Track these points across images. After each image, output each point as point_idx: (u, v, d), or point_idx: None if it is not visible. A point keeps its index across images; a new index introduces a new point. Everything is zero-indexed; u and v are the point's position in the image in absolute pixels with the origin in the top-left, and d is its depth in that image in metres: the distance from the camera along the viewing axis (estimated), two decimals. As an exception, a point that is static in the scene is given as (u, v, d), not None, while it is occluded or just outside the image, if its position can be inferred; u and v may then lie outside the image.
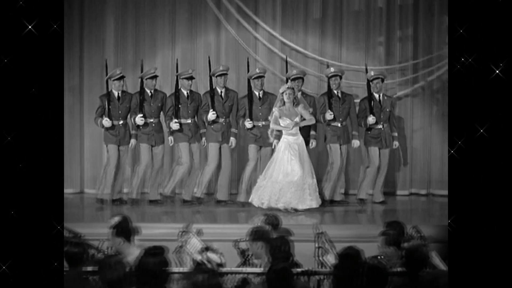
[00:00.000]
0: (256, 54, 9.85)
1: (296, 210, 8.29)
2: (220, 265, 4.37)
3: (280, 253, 4.60)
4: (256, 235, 5.61)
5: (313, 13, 9.95)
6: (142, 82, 8.88)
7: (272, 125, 8.48)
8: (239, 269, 4.95)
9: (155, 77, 8.88)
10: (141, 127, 8.86)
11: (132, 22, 9.94)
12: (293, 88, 8.44)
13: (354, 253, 4.48)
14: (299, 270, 5.11)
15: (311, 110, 8.77)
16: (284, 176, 8.27)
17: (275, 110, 8.41)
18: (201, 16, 9.90)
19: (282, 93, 8.38)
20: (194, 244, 6.26)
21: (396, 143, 9.15)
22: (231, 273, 4.57)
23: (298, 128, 8.45)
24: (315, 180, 8.45)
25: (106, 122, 8.77)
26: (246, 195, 8.70)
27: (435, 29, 9.91)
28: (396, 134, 9.18)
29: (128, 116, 8.94)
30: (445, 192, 9.52)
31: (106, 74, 8.94)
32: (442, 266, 5.52)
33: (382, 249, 5.63)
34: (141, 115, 8.79)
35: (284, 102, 8.38)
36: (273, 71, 9.75)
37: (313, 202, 8.36)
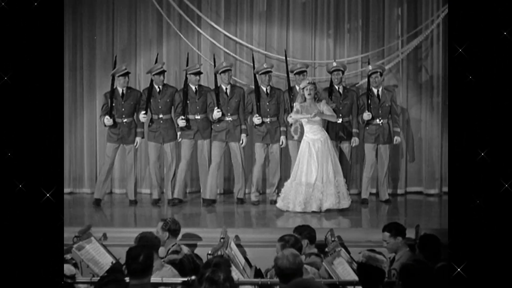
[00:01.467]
0: (199, 50, 9.53)
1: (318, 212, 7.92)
2: (70, 277, 4.04)
3: (135, 264, 4.24)
4: (141, 242, 5.29)
5: (258, 6, 9.60)
6: (152, 78, 8.61)
7: (293, 115, 8.09)
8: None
9: (162, 72, 8.59)
10: (150, 124, 8.60)
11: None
12: (314, 83, 8.09)
13: (215, 262, 4.16)
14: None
15: (333, 105, 8.46)
16: (306, 178, 7.91)
17: (296, 105, 8.07)
18: (142, 11, 9.59)
19: (303, 88, 8.03)
20: (90, 250, 5.93)
21: (397, 138, 8.78)
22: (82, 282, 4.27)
23: (320, 126, 8.08)
24: (342, 179, 8.05)
25: (107, 120, 8.45)
26: (258, 194, 8.65)
27: (386, 21, 9.55)
28: (398, 129, 8.83)
29: (135, 113, 8.64)
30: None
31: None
32: (337, 276, 5.17)
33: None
34: (144, 112, 8.48)
35: (305, 98, 8.03)
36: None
37: (343, 202, 7.98)
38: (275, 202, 8.26)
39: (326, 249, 5.72)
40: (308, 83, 8.04)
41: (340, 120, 8.60)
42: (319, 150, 7.95)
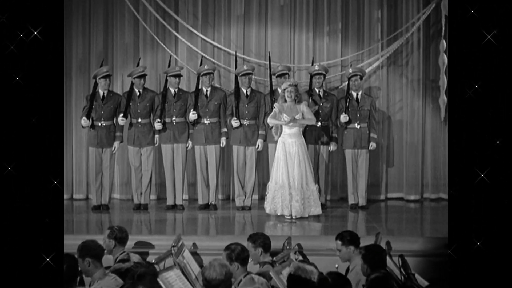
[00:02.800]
0: (176, 53, 9.43)
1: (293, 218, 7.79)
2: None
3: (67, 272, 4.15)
4: (83, 250, 5.17)
5: (236, 9, 9.49)
6: (132, 82, 8.57)
7: (268, 119, 8.00)
8: None
9: (143, 76, 8.53)
10: (129, 128, 8.55)
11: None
12: (295, 85, 7.95)
13: (139, 273, 4.06)
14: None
15: (316, 108, 8.38)
16: (281, 181, 7.77)
17: (276, 106, 7.96)
18: (118, 14, 9.54)
19: (284, 89, 7.90)
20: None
21: (373, 144, 8.66)
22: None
23: (299, 130, 7.95)
24: (315, 186, 7.93)
25: (83, 121, 8.40)
26: (245, 198, 8.60)
27: (365, 24, 9.43)
28: (375, 135, 8.71)
29: (115, 117, 8.58)
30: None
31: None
32: (283, 286, 5.04)
33: (226, 265, 5.17)
34: (122, 115, 8.43)
35: (285, 99, 7.90)
36: (192, 70, 9.30)
37: (316, 209, 7.86)
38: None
39: (274, 258, 5.56)
40: (289, 84, 7.90)
41: (319, 124, 8.48)
42: (295, 154, 7.81)
